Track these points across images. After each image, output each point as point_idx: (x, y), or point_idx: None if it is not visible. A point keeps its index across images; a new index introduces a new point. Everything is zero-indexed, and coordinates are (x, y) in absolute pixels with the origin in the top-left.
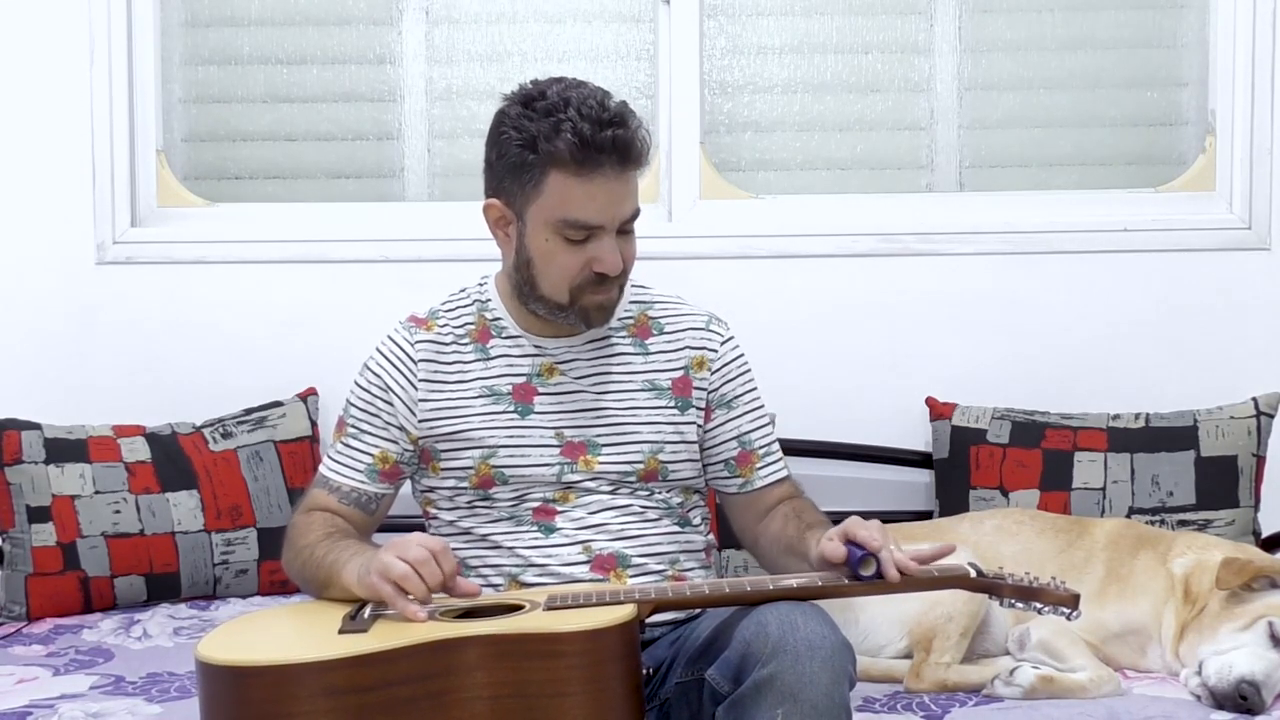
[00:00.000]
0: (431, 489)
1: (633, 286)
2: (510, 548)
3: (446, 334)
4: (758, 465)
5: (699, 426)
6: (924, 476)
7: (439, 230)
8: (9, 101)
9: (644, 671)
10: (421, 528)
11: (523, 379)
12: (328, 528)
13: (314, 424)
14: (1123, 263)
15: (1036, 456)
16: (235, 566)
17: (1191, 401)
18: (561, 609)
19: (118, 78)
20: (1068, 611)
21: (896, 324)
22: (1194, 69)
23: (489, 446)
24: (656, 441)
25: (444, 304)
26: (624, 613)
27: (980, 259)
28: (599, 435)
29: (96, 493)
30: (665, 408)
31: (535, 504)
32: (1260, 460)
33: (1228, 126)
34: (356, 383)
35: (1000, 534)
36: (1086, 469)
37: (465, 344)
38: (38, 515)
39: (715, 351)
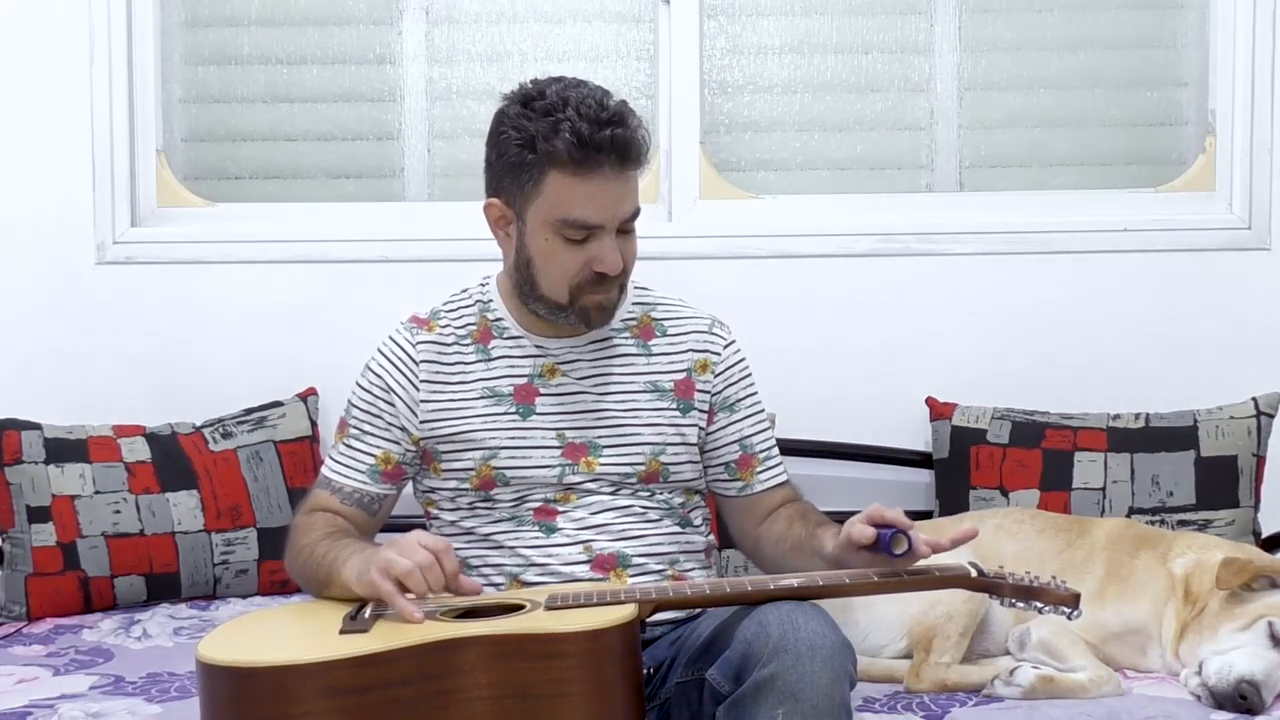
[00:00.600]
0: (433, 490)
1: (635, 288)
2: (511, 547)
3: (448, 335)
4: (758, 469)
5: (700, 429)
6: (924, 476)
7: (439, 230)
8: (9, 102)
9: (644, 671)
10: (423, 527)
11: (524, 380)
12: (329, 527)
13: (314, 424)
14: (1123, 263)
15: (1036, 456)
16: (235, 566)
17: (1191, 401)
18: (562, 609)
19: (118, 78)
20: (1068, 611)
21: (896, 324)
22: (1194, 69)
23: (490, 448)
24: (658, 443)
25: (445, 304)
26: (624, 613)
27: (980, 259)
28: (600, 436)
29: (96, 493)
30: (667, 409)
31: (536, 504)
32: (1260, 460)
33: (1228, 126)
34: (358, 383)
35: (1001, 533)
36: (1086, 469)
37: (467, 345)
38: (38, 515)
39: (718, 354)
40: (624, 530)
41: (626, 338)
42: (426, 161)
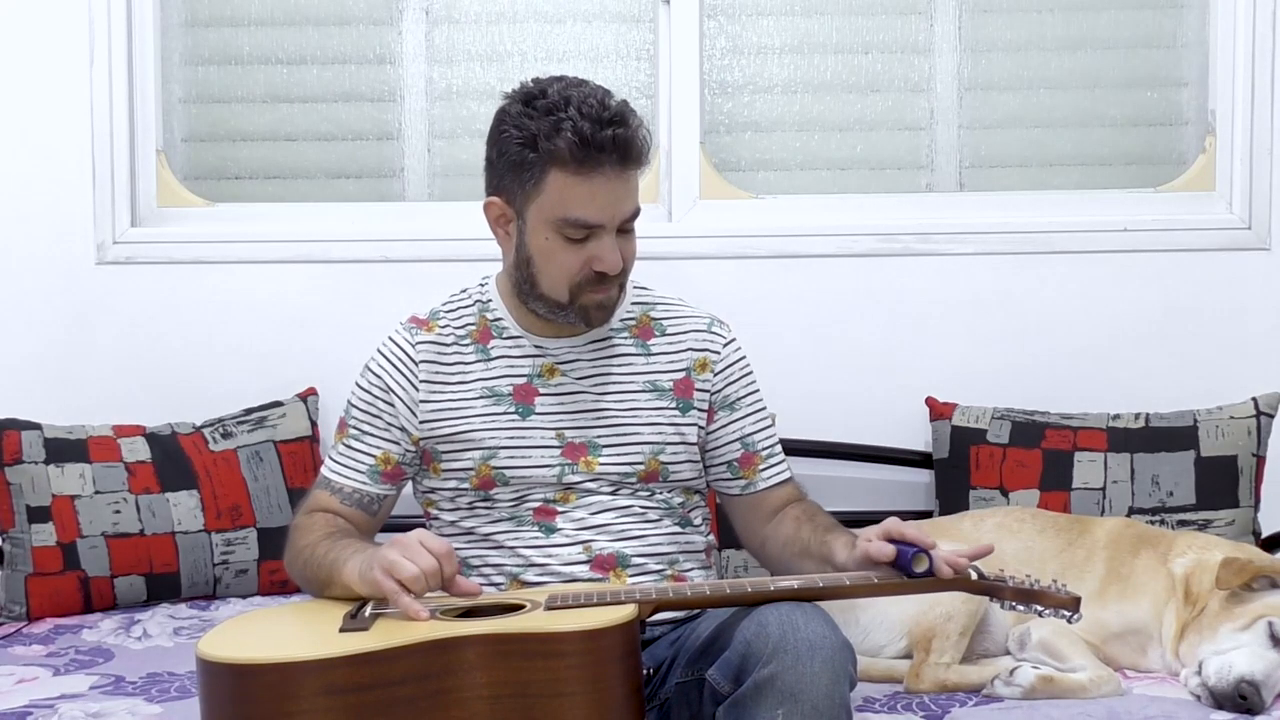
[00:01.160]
0: (433, 490)
1: (635, 288)
2: (511, 547)
3: (447, 335)
4: (761, 467)
5: (700, 428)
6: (924, 476)
7: (439, 230)
8: (9, 102)
9: (644, 671)
10: (423, 527)
11: (523, 380)
12: (329, 528)
13: (314, 424)
14: (1123, 263)
15: (1036, 456)
16: (235, 566)
17: (1191, 401)
18: (562, 609)
19: (118, 78)
20: (1069, 615)
21: (896, 324)
22: (1194, 69)
23: (489, 448)
24: (657, 442)
25: (445, 305)
26: (624, 613)
27: (980, 259)
28: (600, 436)
29: (96, 493)
30: (666, 409)
31: (536, 504)
32: (1260, 460)
33: (1228, 126)
34: (358, 384)
35: (1001, 532)
36: (1086, 469)
37: (466, 345)
38: (38, 515)
39: (718, 353)
40: (623, 530)
41: (626, 337)
42: (426, 161)
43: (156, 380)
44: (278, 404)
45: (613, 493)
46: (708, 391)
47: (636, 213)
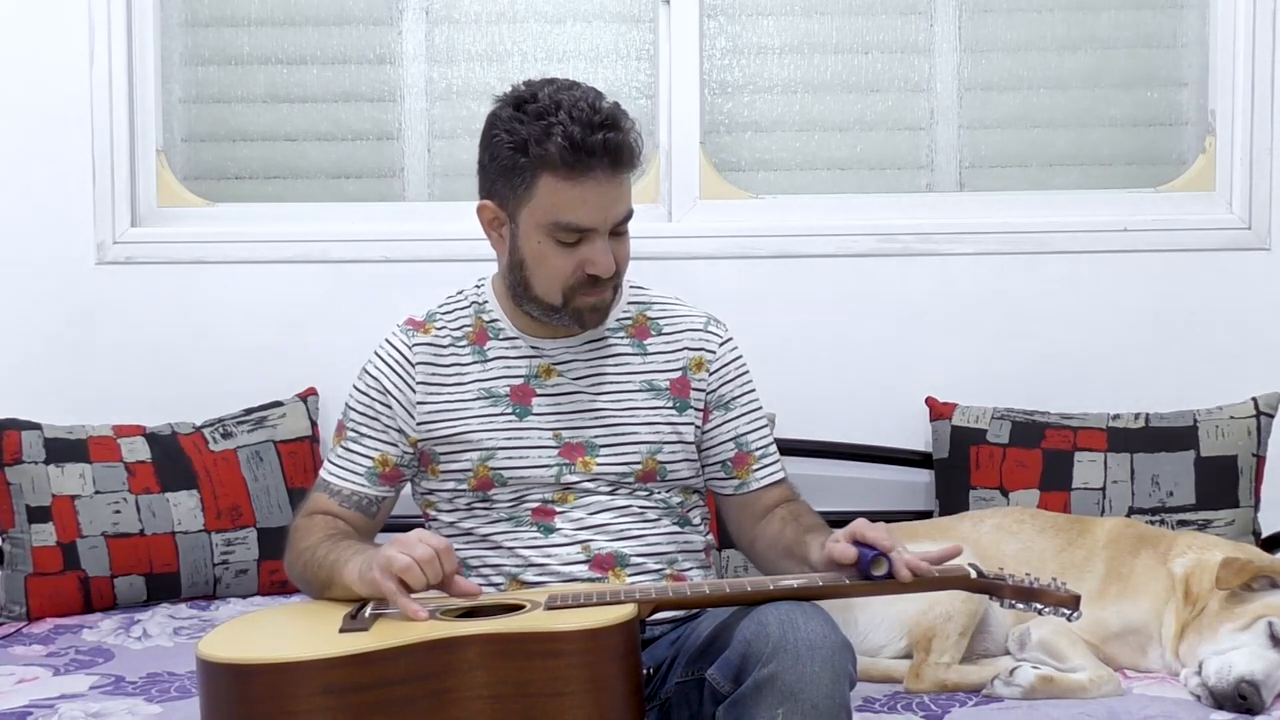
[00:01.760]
0: (431, 491)
1: (631, 287)
2: (510, 548)
3: (444, 337)
4: (754, 467)
5: (697, 427)
6: (924, 476)
7: (439, 230)
8: (9, 102)
9: (644, 671)
10: (424, 527)
11: (520, 380)
12: (328, 530)
13: (314, 424)
14: (1123, 263)
15: (1036, 456)
16: (235, 566)
17: (1191, 401)
18: (562, 608)
19: (118, 78)
20: (1068, 612)
21: (896, 324)
22: (1194, 69)
23: (487, 449)
24: (654, 442)
25: (441, 307)
26: (624, 612)
27: (980, 259)
28: (597, 436)
29: (96, 493)
30: (663, 408)
31: (534, 505)
32: (1260, 460)
33: (1228, 126)
34: (355, 386)
35: (1001, 533)
36: (1086, 469)
37: (463, 346)
38: (38, 515)
39: (713, 353)
40: (622, 530)
41: (622, 337)
42: (426, 161)
43: (156, 380)
44: (278, 404)
45: (611, 492)
46: (703, 391)
47: (629, 215)
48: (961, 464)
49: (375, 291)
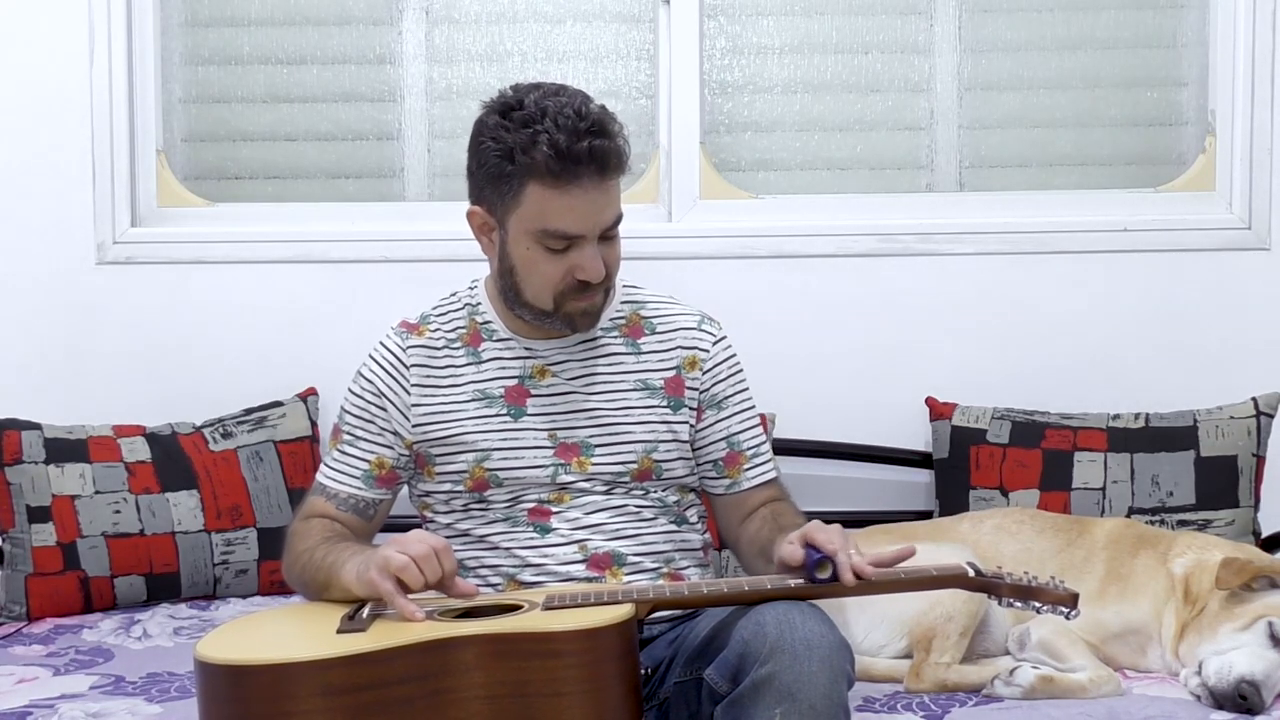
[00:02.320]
0: (428, 493)
1: (624, 286)
2: (507, 549)
3: (438, 338)
4: (745, 466)
5: (691, 426)
6: (924, 476)
7: (439, 230)
8: (9, 102)
9: (643, 671)
10: (421, 528)
11: (514, 381)
12: (326, 533)
13: (314, 424)
14: (1123, 263)
15: (1036, 456)
16: (235, 566)
17: (1191, 401)
18: (559, 609)
19: (118, 78)
20: (1066, 610)
21: (896, 324)
22: (1194, 69)
23: (482, 449)
24: (650, 441)
25: (435, 308)
26: (622, 612)
27: (980, 259)
28: (592, 436)
29: (96, 493)
30: (658, 407)
31: (530, 505)
32: (1260, 460)
33: (1228, 126)
34: (350, 389)
35: (1000, 533)
36: (1086, 469)
37: (457, 348)
38: (38, 515)
39: (707, 351)
40: (619, 529)
41: (615, 337)
42: (426, 161)
43: (156, 380)
44: (278, 404)
45: (607, 492)
46: (697, 390)
47: (619, 219)
48: (961, 464)
49: (375, 291)
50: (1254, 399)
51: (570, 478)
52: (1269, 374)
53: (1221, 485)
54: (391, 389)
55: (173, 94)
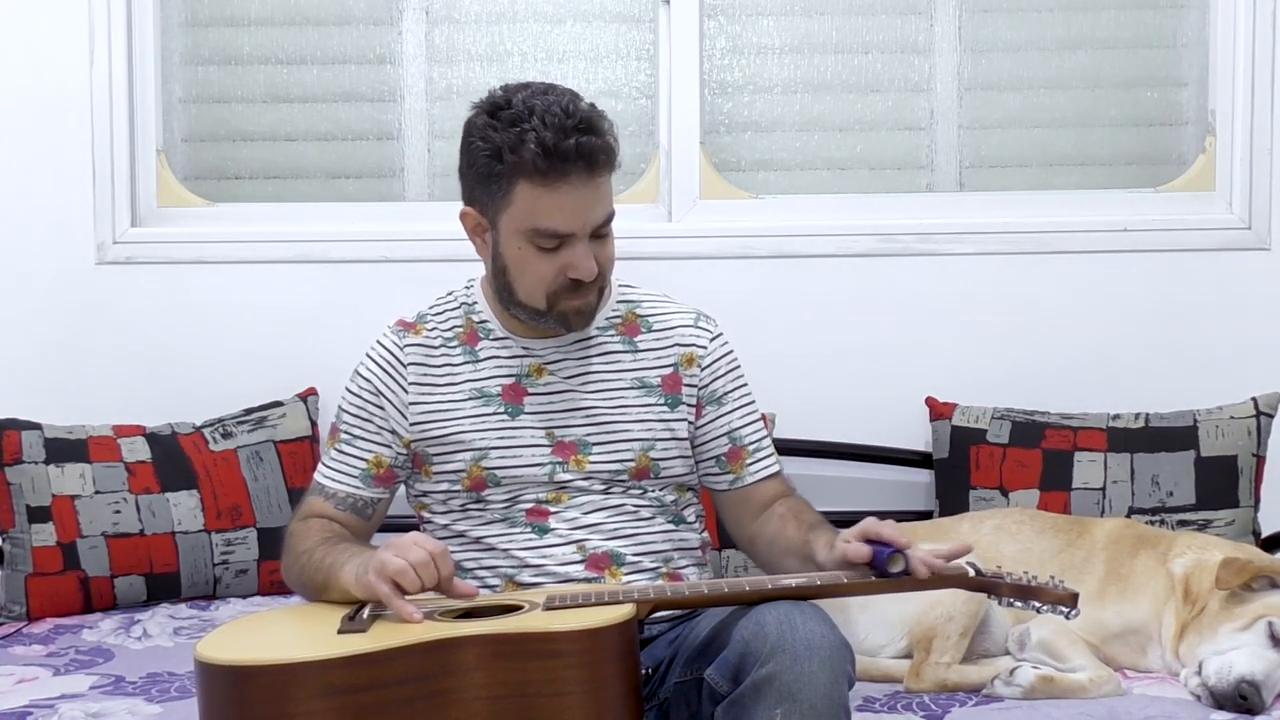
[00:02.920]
0: (425, 494)
1: (620, 286)
2: (505, 549)
3: (435, 338)
4: (748, 461)
5: (689, 423)
6: (924, 476)
7: (439, 230)
8: (9, 102)
9: (643, 671)
10: (418, 529)
11: (512, 380)
12: (325, 533)
13: (314, 424)
14: (1123, 263)
15: (1036, 456)
16: (235, 566)
17: (1191, 401)
18: (560, 609)
19: (118, 78)
20: (1066, 610)
21: (896, 324)
22: (1194, 69)
23: (479, 448)
24: (647, 439)
25: (431, 308)
26: (622, 612)
27: (980, 259)
28: (589, 434)
29: (96, 493)
30: (655, 405)
31: (528, 505)
32: (1260, 460)
33: (1228, 126)
34: (348, 389)
35: (1000, 534)
36: (1086, 469)
37: (454, 347)
38: (38, 515)
39: (704, 348)
40: (617, 529)
41: (612, 335)
42: (426, 161)
43: (156, 380)
44: (278, 404)
45: (605, 491)
46: (695, 387)
47: (610, 217)
48: (961, 464)
49: (375, 291)
50: (1254, 399)
51: (568, 476)
52: (1269, 374)
53: (1221, 485)
54: (389, 387)
55: (173, 94)
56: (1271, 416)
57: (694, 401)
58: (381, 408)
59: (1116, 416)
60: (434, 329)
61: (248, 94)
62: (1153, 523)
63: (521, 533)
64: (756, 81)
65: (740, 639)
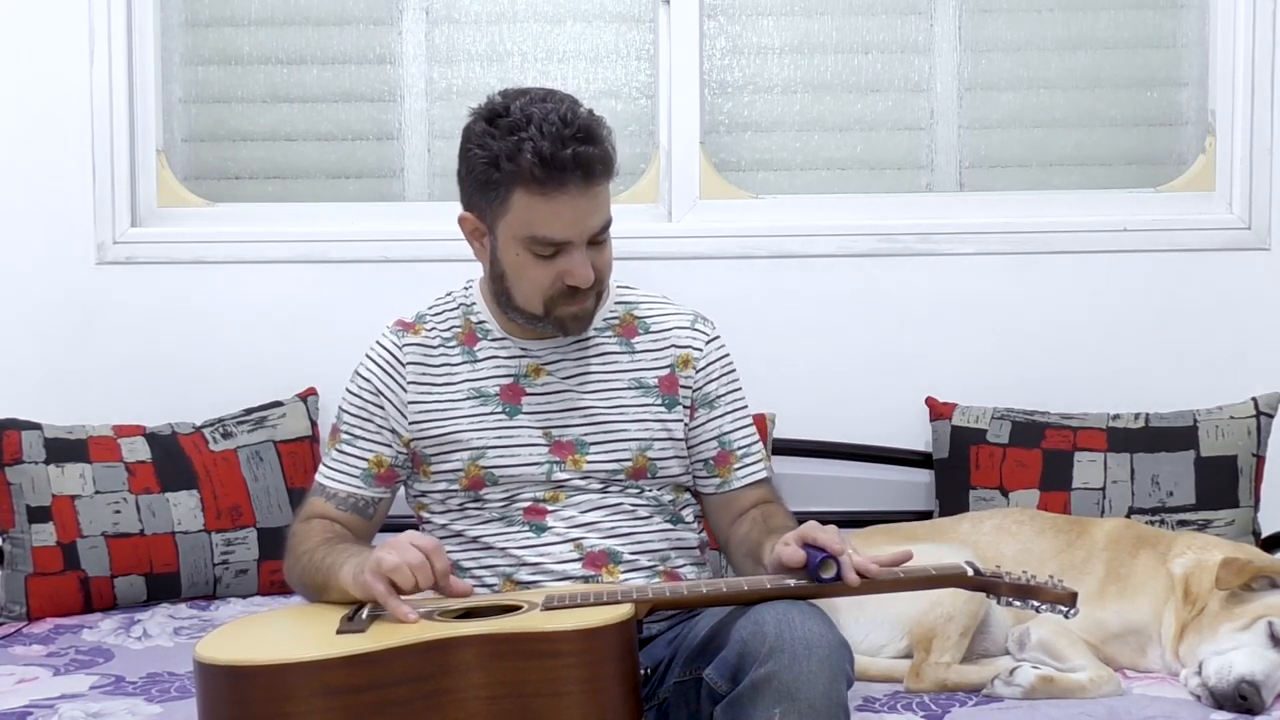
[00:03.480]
0: (423, 493)
1: (618, 287)
2: (503, 548)
3: (434, 337)
4: (736, 466)
5: (685, 425)
6: (924, 476)
7: (439, 230)
8: (9, 102)
9: (642, 671)
10: (417, 529)
11: (510, 379)
12: (326, 534)
13: (314, 424)
14: (1123, 263)
15: (1036, 456)
16: (235, 566)
17: (1191, 401)
18: (559, 609)
19: (118, 78)
20: (1065, 609)
21: (896, 324)
22: (1194, 69)
23: (477, 448)
24: (644, 439)
25: (430, 308)
26: (621, 612)
27: (980, 259)
28: (586, 434)
29: (96, 493)
30: (652, 405)
31: (526, 504)
32: (1260, 460)
33: (1228, 126)
34: (348, 389)
35: (1000, 534)
36: (1086, 469)
37: (453, 347)
38: (38, 515)
39: (700, 350)
40: (614, 528)
41: (609, 336)
42: (426, 161)
43: (156, 380)
44: (278, 404)
45: (602, 490)
46: (690, 388)
47: (608, 224)
48: (961, 464)
49: (375, 291)
50: (1254, 399)
51: (565, 475)
52: (1269, 374)
53: (1221, 485)
54: (389, 387)
55: (173, 94)
56: (1271, 416)
57: (689, 403)
58: (381, 407)
59: (1116, 416)
60: (433, 329)
61: (248, 94)
62: (1153, 523)
63: (519, 531)
64: (756, 81)
65: (739, 639)
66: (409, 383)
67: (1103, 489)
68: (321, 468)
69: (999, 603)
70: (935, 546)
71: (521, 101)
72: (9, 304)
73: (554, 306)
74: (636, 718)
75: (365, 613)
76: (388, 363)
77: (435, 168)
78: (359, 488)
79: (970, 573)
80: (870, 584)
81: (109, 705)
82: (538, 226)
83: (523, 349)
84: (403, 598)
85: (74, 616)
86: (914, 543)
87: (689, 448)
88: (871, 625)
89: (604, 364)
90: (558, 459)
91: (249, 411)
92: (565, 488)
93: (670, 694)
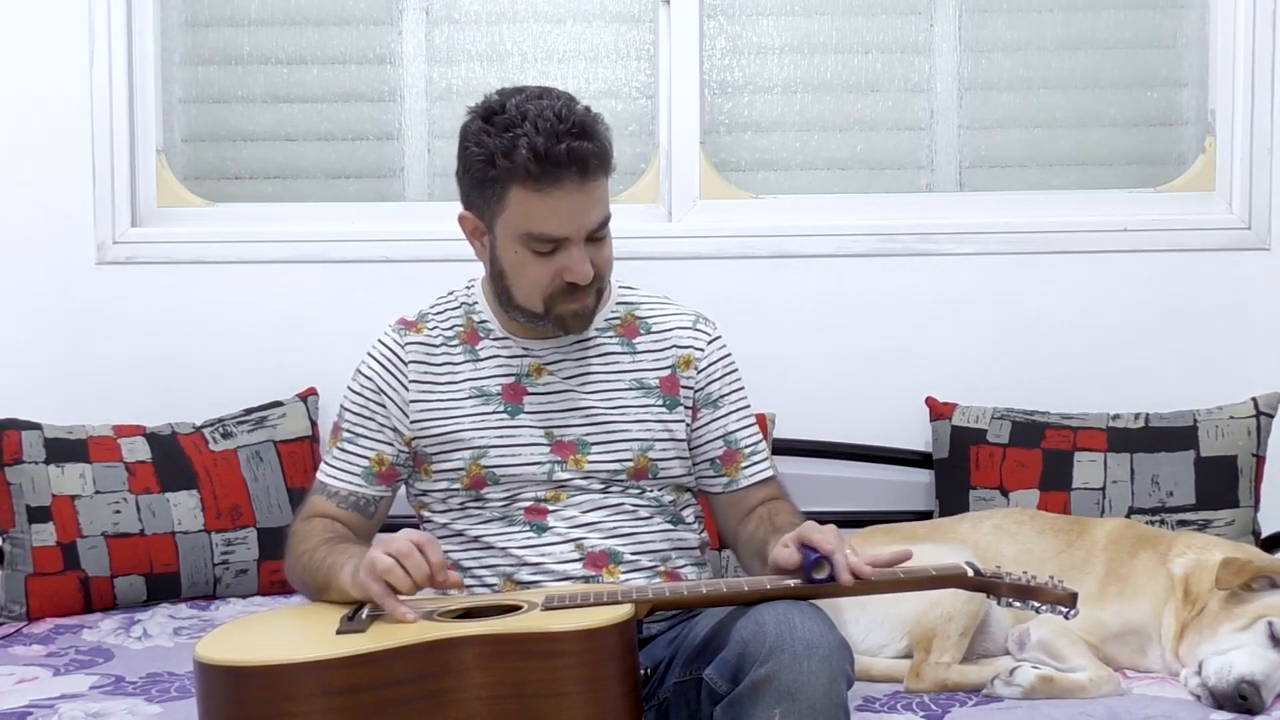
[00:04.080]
0: (425, 493)
1: (620, 288)
2: (503, 548)
3: (436, 336)
4: (743, 464)
5: (687, 425)
6: (924, 476)
7: (439, 230)
8: (9, 102)
9: (642, 671)
10: (418, 528)
11: (512, 379)
12: (326, 533)
13: (314, 424)
14: (1123, 263)
15: (1036, 456)
16: (235, 566)
17: (1191, 401)
18: (559, 609)
19: (118, 78)
20: (1065, 610)
21: (896, 324)
22: (1194, 69)
23: (479, 447)
24: (645, 439)
25: (432, 307)
26: (622, 612)
27: (980, 259)
28: (588, 434)
29: (96, 493)
30: (653, 405)
31: (527, 504)
32: (1260, 460)
33: (1228, 126)
34: (349, 387)
35: (1000, 534)
36: (1086, 469)
37: (455, 346)
38: (38, 515)
39: (701, 350)
40: (615, 528)
41: (611, 336)
42: (426, 161)
43: (156, 380)
44: (278, 404)
45: (603, 490)
46: (692, 389)
47: (606, 220)
48: (961, 464)
49: (375, 291)
50: (1254, 399)
51: (566, 475)
52: (1269, 374)
53: (1221, 485)
54: (390, 385)
55: (173, 94)
56: (1271, 416)
57: (690, 403)
58: (383, 405)
59: (1116, 416)
60: (435, 328)
61: (248, 94)
62: (1153, 523)
63: (520, 531)
64: (756, 81)
65: (739, 639)
66: (411, 381)
67: (1103, 489)
68: (323, 466)
69: (999, 603)
70: (935, 546)
71: (517, 99)
72: (9, 304)
73: (554, 304)
74: (637, 718)
75: (365, 613)
76: (390, 361)
77: (435, 168)
78: (360, 486)
79: (970, 573)
80: (868, 584)
81: (109, 705)
82: (535, 223)
83: (525, 348)
84: (401, 598)
85: (74, 616)
86: (914, 543)
87: (693, 448)
88: (872, 625)
89: (605, 364)
90: (559, 459)
91: (249, 411)
92: (566, 488)
93: (670, 694)
